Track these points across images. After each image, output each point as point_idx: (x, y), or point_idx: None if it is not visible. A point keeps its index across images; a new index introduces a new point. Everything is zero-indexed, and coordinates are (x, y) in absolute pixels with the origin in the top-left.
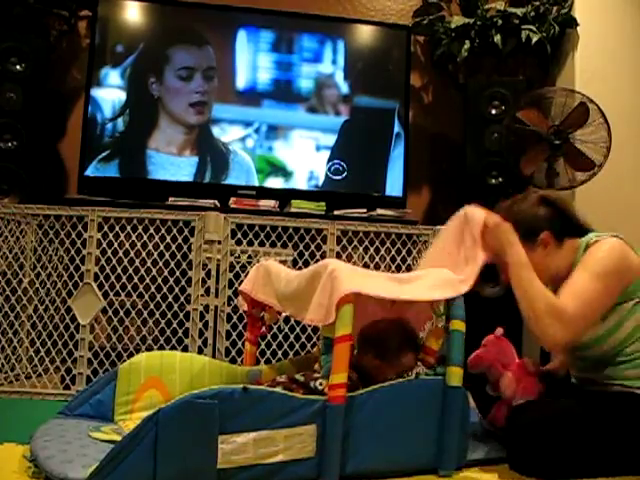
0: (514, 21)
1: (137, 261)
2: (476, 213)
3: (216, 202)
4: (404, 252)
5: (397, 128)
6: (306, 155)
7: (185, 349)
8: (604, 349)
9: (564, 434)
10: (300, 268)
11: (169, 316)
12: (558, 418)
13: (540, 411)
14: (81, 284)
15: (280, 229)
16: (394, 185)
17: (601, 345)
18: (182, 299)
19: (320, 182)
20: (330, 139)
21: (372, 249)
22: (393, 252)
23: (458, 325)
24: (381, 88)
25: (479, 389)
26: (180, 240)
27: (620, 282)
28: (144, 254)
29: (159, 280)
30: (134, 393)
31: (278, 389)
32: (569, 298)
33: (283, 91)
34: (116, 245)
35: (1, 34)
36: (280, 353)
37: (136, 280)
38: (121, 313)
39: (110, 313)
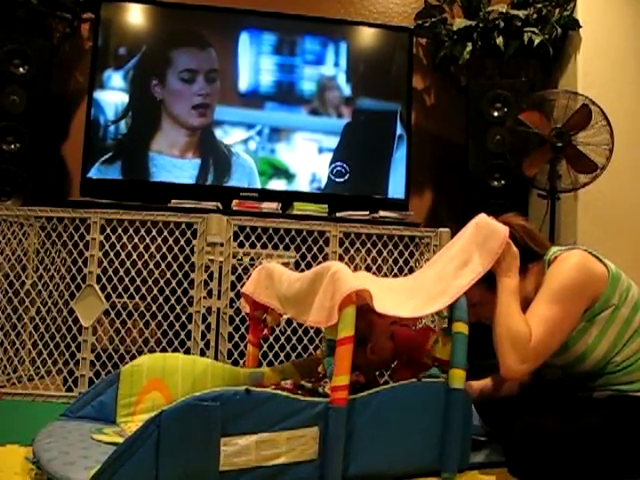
0: (516, 23)
1: (139, 263)
2: (501, 228)
3: (218, 204)
4: (406, 254)
5: (399, 130)
6: (308, 157)
7: (187, 351)
8: (591, 364)
9: (562, 440)
10: (302, 270)
11: (171, 318)
12: (556, 423)
13: (537, 416)
14: (83, 286)
15: (282, 231)
16: (396, 187)
17: (586, 361)
18: (184, 301)
19: (322, 184)
20: (332, 141)
21: (374, 251)
22: (395, 254)
23: (461, 327)
24: (383, 90)
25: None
26: (182, 242)
27: (584, 297)
28: (146, 256)
29: (161, 282)
30: (136, 395)
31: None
32: (532, 327)
33: (285, 93)
34: (118, 247)
35: (4, 36)
36: (282, 355)
37: (138, 282)
38: (123, 315)
39: (112, 315)
